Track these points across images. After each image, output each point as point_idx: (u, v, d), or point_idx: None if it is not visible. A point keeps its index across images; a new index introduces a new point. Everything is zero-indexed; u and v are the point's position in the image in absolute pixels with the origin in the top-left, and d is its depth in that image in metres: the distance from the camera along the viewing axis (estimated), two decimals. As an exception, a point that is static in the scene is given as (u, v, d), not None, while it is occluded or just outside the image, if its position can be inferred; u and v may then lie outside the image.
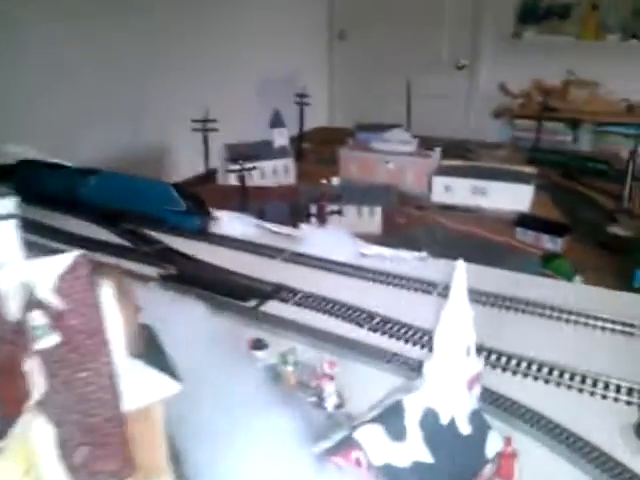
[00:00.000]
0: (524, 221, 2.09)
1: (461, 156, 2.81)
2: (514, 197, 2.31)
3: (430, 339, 1.05)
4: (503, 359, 1.09)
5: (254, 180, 2.49)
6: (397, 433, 0.65)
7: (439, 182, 2.40)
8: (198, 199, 1.82)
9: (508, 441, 0.72)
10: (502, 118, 4.34)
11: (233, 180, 2.44)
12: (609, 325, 1.21)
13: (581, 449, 0.83)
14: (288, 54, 4.12)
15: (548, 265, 1.76)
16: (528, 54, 4.19)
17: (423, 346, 1.13)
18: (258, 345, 1.02)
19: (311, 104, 3.07)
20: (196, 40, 3.34)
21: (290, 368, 0.93)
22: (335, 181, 2.20)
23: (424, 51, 4.48)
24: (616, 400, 0.99)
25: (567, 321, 1.24)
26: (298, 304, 1.31)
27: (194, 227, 1.74)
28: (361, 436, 0.64)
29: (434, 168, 2.46)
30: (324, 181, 1.96)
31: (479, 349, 1.08)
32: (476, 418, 0.69)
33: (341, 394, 0.92)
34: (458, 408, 0.67)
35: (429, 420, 0.67)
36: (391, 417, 0.66)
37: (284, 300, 1.33)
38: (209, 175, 2.55)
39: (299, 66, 4.19)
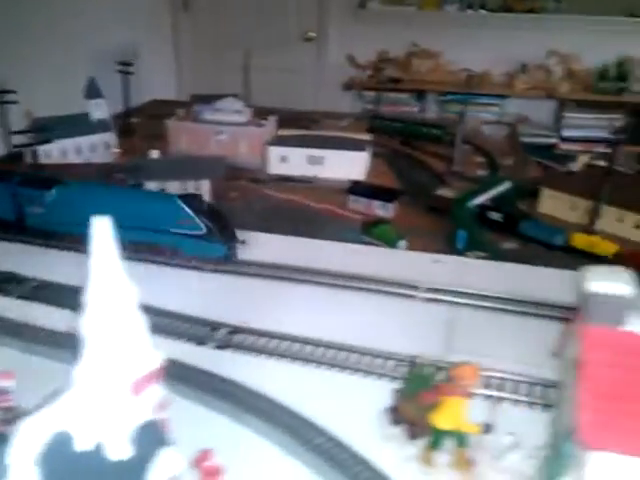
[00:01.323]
0: (356, 189, 2.03)
1: (305, 127, 2.71)
2: (350, 165, 2.25)
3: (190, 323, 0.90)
4: (250, 339, 0.98)
5: (69, 157, 2.22)
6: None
7: (274, 152, 2.28)
8: (219, 216, 1.38)
9: (204, 456, 0.58)
10: (352, 90, 4.33)
11: (44, 158, 2.16)
12: (390, 289, 1.15)
13: (320, 446, 0.73)
14: (127, 25, 3.78)
15: (372, 232, 1.70)
16: (374, 25, 4.19)
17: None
18: None
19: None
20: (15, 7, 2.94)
21: None
22: (154, 154, 2.00)
23: (272, 23, 4.33)
24: (380, 376, 0.90)
25: (351, 288, 1.16)
26: (24, 297, 1.11)
27: (218, 256, 1.32)
28: None
29: (270, 138, 2.34)
30: (118, 150, 1.73)
31: (216, 326, 0.97)
32: (146, 434, 0.53)
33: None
34: (114, 425, 0.52)
35: (56, 450, 0.49)
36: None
37: (7, 293, 1.12)
38: (16, 155, 2.23)
39: (141, 38, 3.88)
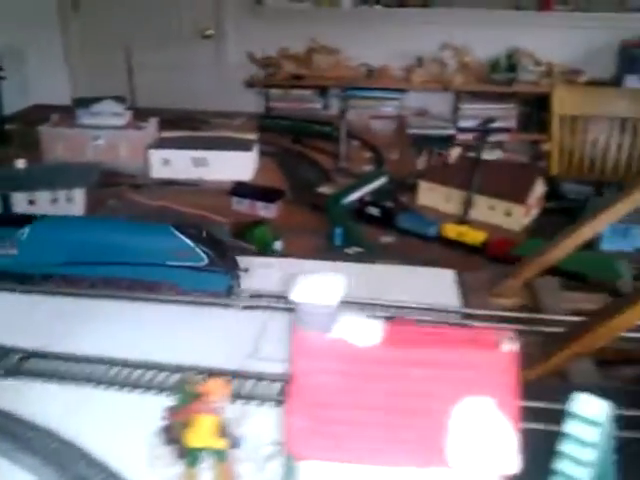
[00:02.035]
0: (238, 190, 2.00)
1: (194, 128, 2.65)
2: (235, 166, 2.21)
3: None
4: (43, 364, 0.92)
5: None
6: None
7: (156, 156, 2.21)
8: (219, 244, 1.28)
9: None
10: (255, 88, 4.29)
11: None
12: (209, 299, 1.13)
13: (86, 477, 0.70)
14: (10, 27, 3.58)
15: (247, 235, 1.67)
16: (273, 21, 4.17)
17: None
18: None
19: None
20: None
21: None
22: (20, 164, 1.89)
23: (167, 21, 4.22)
24: (148, 389, 0.87)
25: (168, 302, 1.13)
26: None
27: (222, 289, 1.22)
28: None
29: (152, 141, 2.27)
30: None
31: (6, 352, 0.90)
32: None
33: None
34: None
35: None
36: None
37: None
38: None
39: (27, 40, 3.69)
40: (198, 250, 1.20)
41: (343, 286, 0.52)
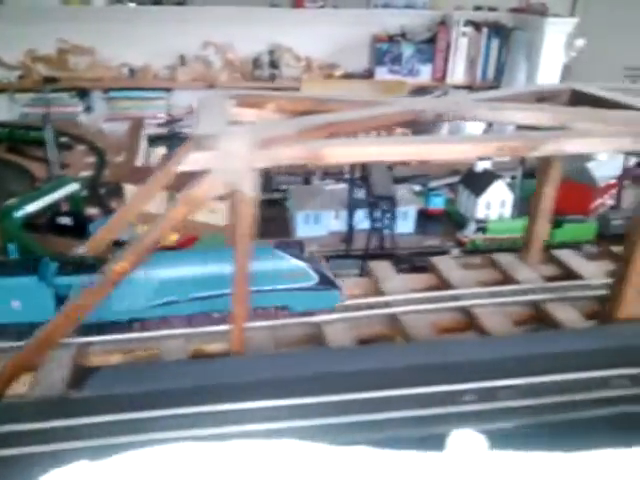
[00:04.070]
0: None
1: None
2: None
3: None
4: None
5: None
6: None
7: None
8: (316, 260, 1.24)
9: None
10: (5, 93, 3.91)
11: None
12: None
13: None
14: None
15: None
16: (16, 21, 3.81)
17: None
18: None
19: None
20: None
21: None
22: None
23: None
24: None
25: None
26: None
27: (334, 305, 1.21)
28: None
29: None
30: None
31: None
32: None
33: None
34: None
35: None
36: None
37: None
38: None
39: None
40: (309, 270, 1.18)
41: None
